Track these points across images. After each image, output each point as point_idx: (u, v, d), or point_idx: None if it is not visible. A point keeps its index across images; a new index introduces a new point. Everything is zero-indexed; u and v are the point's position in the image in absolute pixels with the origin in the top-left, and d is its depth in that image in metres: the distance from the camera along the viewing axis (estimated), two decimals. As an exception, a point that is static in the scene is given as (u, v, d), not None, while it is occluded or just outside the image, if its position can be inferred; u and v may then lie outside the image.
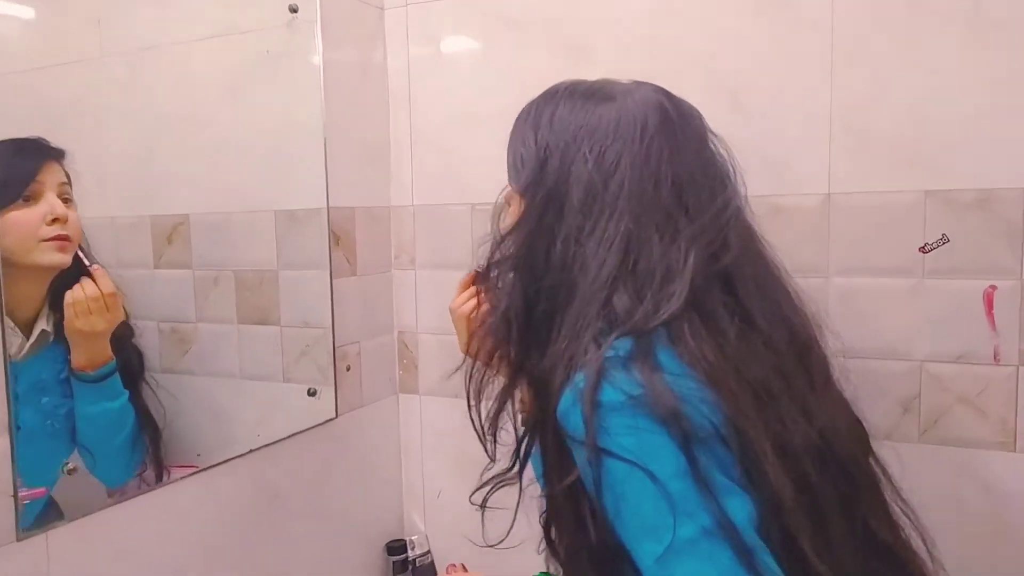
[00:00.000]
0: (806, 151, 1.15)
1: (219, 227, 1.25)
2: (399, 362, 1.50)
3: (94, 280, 0.97)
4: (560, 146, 0.76)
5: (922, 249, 1.09)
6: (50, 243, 0.93)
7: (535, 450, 0.76)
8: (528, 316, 0.76)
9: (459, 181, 1.40)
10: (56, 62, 1.07)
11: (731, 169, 0.80)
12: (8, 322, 0.88)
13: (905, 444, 1.10)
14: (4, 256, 0.88)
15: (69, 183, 0.97)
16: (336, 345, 1.33)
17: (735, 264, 0.74)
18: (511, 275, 0.77)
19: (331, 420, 1.33)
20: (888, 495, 0.80)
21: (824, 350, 0.81)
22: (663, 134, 0.76)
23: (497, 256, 0.78)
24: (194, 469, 1.13)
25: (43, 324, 0.96)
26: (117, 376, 1.03)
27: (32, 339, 0.94)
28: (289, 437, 1.26)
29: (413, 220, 1.46)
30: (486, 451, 0.81)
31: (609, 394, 0.64)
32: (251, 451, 1.19)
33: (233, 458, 1.17)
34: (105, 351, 1.01)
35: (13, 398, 0.89)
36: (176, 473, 1.11)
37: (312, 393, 1.32)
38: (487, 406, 0.80)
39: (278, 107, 1.31)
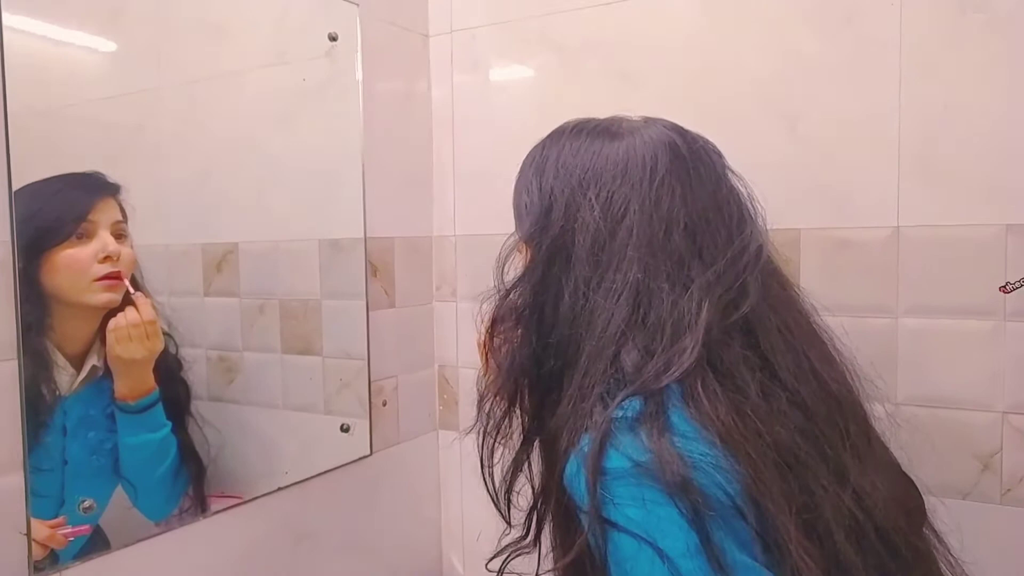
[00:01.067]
0: (872, 181, 1.06)
1: (266, 256, 1.24)
2: (439, 397, 1.45)
3: (136, 307, 0.97)
4: (565, 192, 0.71)
5: (1003, 289, 0.99)
6: (101, 282, 0.93)
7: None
8: (537, 374, 0.70)
9: (503, 210, 1.33)
10: (120, 92, 1.08)
11: (752, 209, 0.74)
12: (59, 358, 0.92)
13: (984, 505, 1.00)
14: (55, 294, 0.90)
15: (124, 219, 0.98)
16: (372, 379, 1.30)
17: (756, 313, 0.67)
18: (518, 330, 0.72)
19: (365, 457, 1.29)
20: (945, 569, 0.71)
21: (863, 405, 0.73)
22: (674, 174, 0.70)
23: (503, 309, 0.73)
24: (232, 500, 1.11)
25: (93, 359, 0.96)
26: (160, 407, 1.02)
27: (83, 374, 0.94)
28: (321, 475, 1.22)
29: (455, 251, 1.42)
30: (501, 516, 0.75)
31: (614, 460, 0.59)
32: (280, 489, 1.16)
33: (261, 496, 1.14)
34: (147, 381, 1.00)
35: (61, 432, 0.92)
36: (214, 503, 1.09)
37: (345, 429, 1.28)
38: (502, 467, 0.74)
39: (322, 136, 1.30)
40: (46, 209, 0.92)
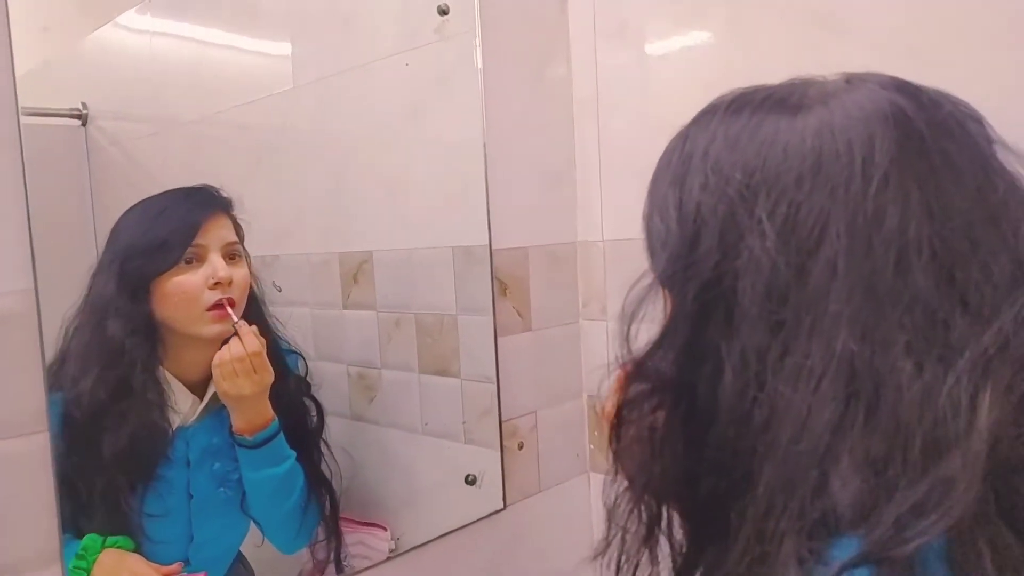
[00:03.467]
0: None
1: (400, 265, 1.13)
2: (589, 434, 1.22)
3: (240, 339, 0.87)
4: (719, 208, 0.44)
5: None
6: (212, 313, 0.86)
7: None
8: (689, 495, 0.45)
9: None
10: (261, 96, 1.11)
11: None
12: (178, 385, 0.87)
13: None
14: (168, 324, 0.86)
15: (239, 237, 0.91)
16: (503, 419, 1.09)
17: None
18: (658, 418, 0.46)
19: (498, 512, 1.09)
20: None
21: None
22: (904, 165, 0.41)
23: (632, 390, 0.47)
24: (369, 530, 1.04)
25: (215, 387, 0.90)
26: (280, 439, 0.92)
27: (204, 401, 0.89)
28: (443, 536, 1.03)
29: (604, 259, 1.18)
30: None
31: None
32: (390, 556, 0.99)
33: (371, 567, 0.98)
34: (263, 414, 0.91)
35: (184, 465, 0.88)
36: (350, 529, 1.03)
37: (471, 481, 1.09)
38: None
39: (447, 130, 1.13)
40: (152, 231, 0.86)
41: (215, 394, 0.89)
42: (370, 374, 1.14)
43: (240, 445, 0.90)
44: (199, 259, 0.86)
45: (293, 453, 0.94)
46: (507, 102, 1.10)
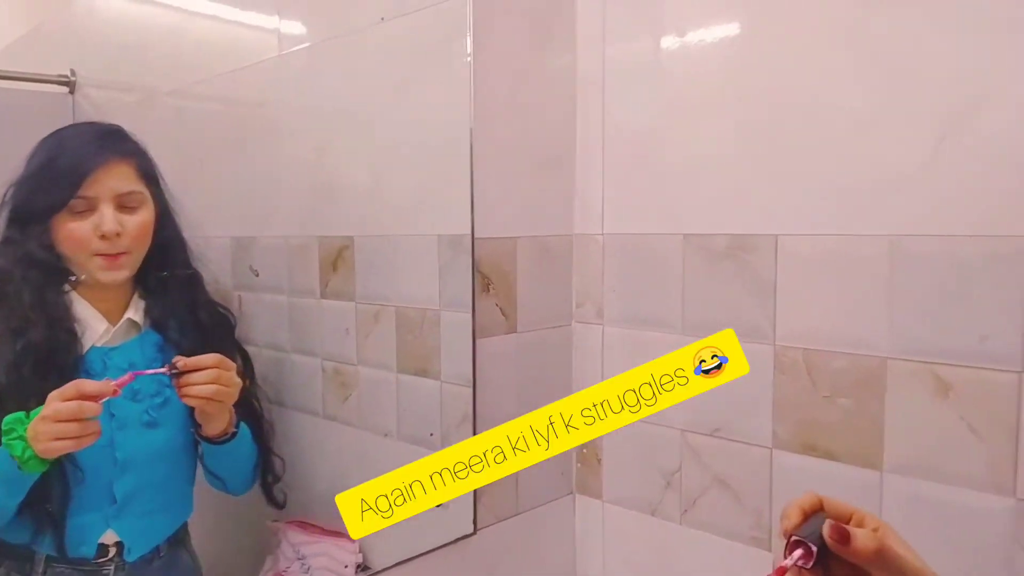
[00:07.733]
0: None
1: (382, 252, 1.05)
2: (577, 452, 1.10)
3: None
4: None
5: None
6: (101, 259, 0.83)
7: None
8: None
9: (670, 203, 0.99)
10: (244, 64, 1.07)
11: None
12: (91, 311, 0.85)
13: None
14: (68, 259, 0.83)
15: (147, 185, 0.86)
16: (478, 431, 0.98)
17: None
18: None
19: (467, 537, 0.98)
20: None
21: None
22: None
23: None
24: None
25: (131, 313, 0.88)
26: (244, 428, 0.91)
27: (116, 327, 0.87)
28: (403, 563, 0.92)
29: (603, 255, 1.07)
30: None
31: None
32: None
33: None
34: (227, 420, 0.88)
35: None
36: (315, 537, 0.99)
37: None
38: None
39: (433, 103, 1.03)
40: (45, 171, 0.82)
41: (128, 320, 0.87)
42: (346, 370, 1.07)
43: (206, 440, 0.89)
44: (90, 208, 0.82)
45: (249, 432, 0.92)
46: (501, 77, 0.99)
